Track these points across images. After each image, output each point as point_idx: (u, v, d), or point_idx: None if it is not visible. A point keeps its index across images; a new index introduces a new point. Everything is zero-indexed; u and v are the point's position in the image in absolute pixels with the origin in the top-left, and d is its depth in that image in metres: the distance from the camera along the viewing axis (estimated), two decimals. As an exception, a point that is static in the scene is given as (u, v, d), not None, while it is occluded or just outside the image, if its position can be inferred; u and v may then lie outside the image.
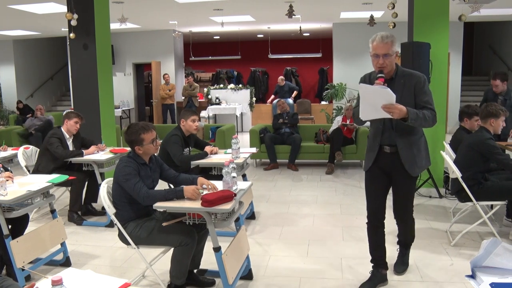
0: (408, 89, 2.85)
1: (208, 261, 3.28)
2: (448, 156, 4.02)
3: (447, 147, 4.53)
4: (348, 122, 7.27)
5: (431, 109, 2.81)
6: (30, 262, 3.23)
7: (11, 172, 3.67)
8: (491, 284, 1.73)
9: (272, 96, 12.40)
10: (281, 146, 7.35)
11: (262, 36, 14.83)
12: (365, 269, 3.44)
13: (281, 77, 12.42)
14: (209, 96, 12.16)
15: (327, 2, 8.63)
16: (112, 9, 6.58)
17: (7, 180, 3.19)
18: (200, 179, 3.03)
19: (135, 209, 2.98)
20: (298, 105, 12.12)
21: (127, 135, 3.02)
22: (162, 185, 3.36)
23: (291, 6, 7.16)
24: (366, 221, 3.12)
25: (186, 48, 13.84)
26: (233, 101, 12.01)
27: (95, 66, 5.99)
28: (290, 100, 11.76)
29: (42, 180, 3.48)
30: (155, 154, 3.23)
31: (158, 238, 2.90)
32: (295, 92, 12.31)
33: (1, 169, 3.05)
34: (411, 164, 2.89)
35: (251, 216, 4.76)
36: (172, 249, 2.93)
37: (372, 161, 3.00)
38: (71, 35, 5.74)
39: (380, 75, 2.81)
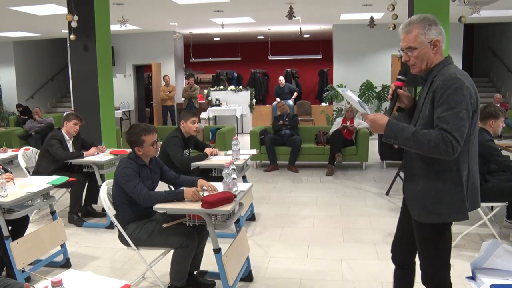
0: (429, 96, 2.00)
1: (208, 262, 3.28)
2: (448, 158, 4.01)
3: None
4: (348, 123, 7.28)
5: (443, 129, 1.88)
6: (30, 264, 3.23)
7: (11, 173, 3.67)
8: (491, 286, 1.73)
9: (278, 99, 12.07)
10: (281, 147, 7.35)
11: (262, 37, 14.84)
12: (365, 270, 3.44)
13: (281, 77, 12.41)
14: (209, 98, 12.17)
15: (327, 4, 8.64)
16: (112, 11, 6.58)
17: (7, 182, 3.19)
18: (200, 181, 3.03)
19: (135, 211, 2.98)
20: (298, 107, 12.12)
21: (128, 135, 3.02)
22: (162, 187, 3.36)
23: (291, 8, 7.16)
24: None
25: (186, 49, 13.85)
26: (233, 103, 12.01)
27: (95, 67, 5.99)
28: (290, 102, 11.76)
29: (42, 182, 3.48)
30: (155, 156, 3.23)
31: (158, 240, 2.91)
32: (295, 94, 12.31)
33: (1, 170, 3.05)
34: (414, 204, 2.10)
35: (251, 217, 4.76)
36: (172, 250, 2.93)
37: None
38: (72, 36, 5.75)
39: (398, 76, 2.15)
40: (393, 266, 3.12)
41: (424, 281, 2.20)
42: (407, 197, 2.17)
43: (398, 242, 2.37)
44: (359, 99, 2.18)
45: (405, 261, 2.36)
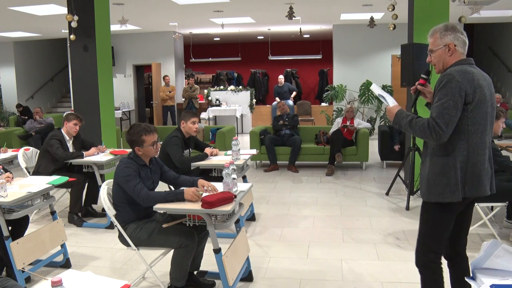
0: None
1: (208, 262, 3.28)
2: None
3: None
4: (348, 123, 7.28)
5: (431, 117, 2.20)
6: (30, 264, 3.23)
7: (11, 173, 3.68)
8: (491, 286, 1.73)
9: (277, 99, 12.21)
10: (281, 147, 7.35)
11: (262, 37, 14.85)
12: (365, 270, 3.44)
13: (280, 76, 12.46)
14: (209, 98, 12.17)
15: (327, 4, 8.64)
16: (112, 11, 6.59)
17: (7, 182, 3.19)
18: (200, 181, 3.03)
19: (135, 211, 2.98)
20: (298, 107, 12.12)
21: (129, 134, 3.02)
22: (162, 187, 3.36)
23: (291, 8, 7.17)
24: None
25: (186, 49, 13.86)
26: (233, 103, 12.01)
27: (95, 67, 5.99)
28: (290, 102, 11.77)
29: (42, 182, 3.48)
30: (155, 156, 3.23)
31: (158, 240, 2.90)
32: (294, 93, 12.32)
33: (1, 170, 3.05)
34: (422, 185, 2.37)
35: (251, 217, 4.76)
36: (172, 250, 2.93)
37: None
38: (72, 36, 5.75)
39: (422, 75, 2.47)
40: (392, 267, 3.12)
41: (415, 262, 2.43)
42: (420, 178, 2.41)
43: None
44: (379, 93, 2.50)
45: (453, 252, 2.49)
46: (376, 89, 2.55)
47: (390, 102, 2.42)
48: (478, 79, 2.21)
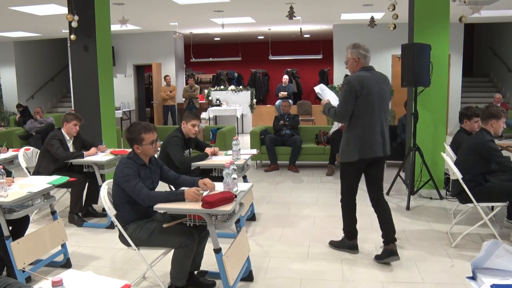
0: None
1: (208, 262, 3.28)
2: (448, 158, 4.01)
3: (448, 148, 4.53)
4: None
5: (336, 107, 3.50)
6: (31, 264, 3.23)
7: (13, 176, 3.67)
8: (492, 286, 1.73)
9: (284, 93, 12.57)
10: (281, 147, 7.35)
11: (262, 37, 14.84)
12: (365, 270, 3.44)
13: (285, 76, 12.67)
14: (210, 98, 12.17)
15: (328, 4, 8.64)
16: (112, 11, 6.59)
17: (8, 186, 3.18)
18: (201, 180, 3.03)
19: (135, 211, 2.98)
20: (298, 107, 12.12)
21: (128, 132, 3.02)
22: (162, 187, 3.36)
23: (291, 8, 7.16)
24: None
25: (187, 49, 13.86)
26: (233, 103, 12.01)
27: (95, 67, 5.99)
28: (290, 101, 11.81)
29: (42, 182, 3.48)
30: (155, 156, 3.23)
31: (159, 240, 2.90)
32: (285, 93, 12.51)
33: (2, 171, 3.05)
34: (340, 150, 3.59)
35: (252, 217, 4.76)
36: (173, 250, 2.93)
37: None
38: (72, 36, 5.75)
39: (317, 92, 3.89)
40: (392, 267, 3.13)
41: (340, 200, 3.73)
42: None
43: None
44: (318, 91, 3.86)
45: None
46: (316, 88, 3.85)
47: (327, 98, 3.73)
48: (367, 80, 3.36)
